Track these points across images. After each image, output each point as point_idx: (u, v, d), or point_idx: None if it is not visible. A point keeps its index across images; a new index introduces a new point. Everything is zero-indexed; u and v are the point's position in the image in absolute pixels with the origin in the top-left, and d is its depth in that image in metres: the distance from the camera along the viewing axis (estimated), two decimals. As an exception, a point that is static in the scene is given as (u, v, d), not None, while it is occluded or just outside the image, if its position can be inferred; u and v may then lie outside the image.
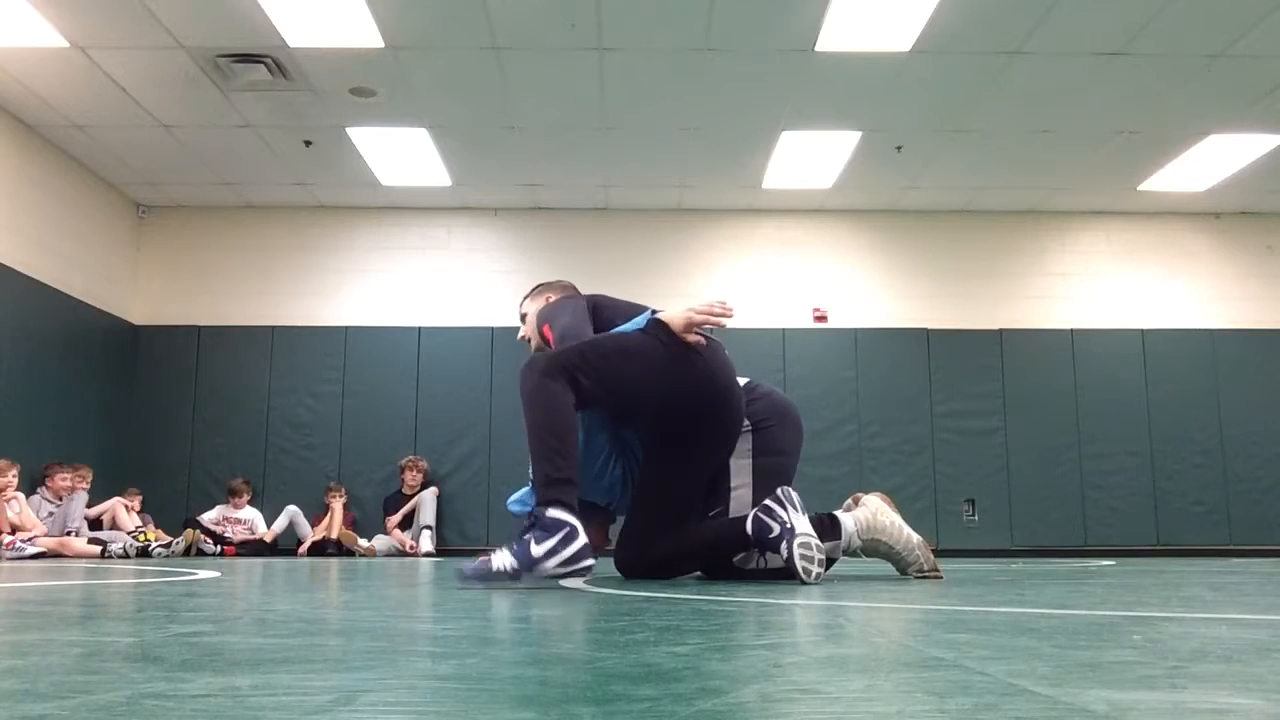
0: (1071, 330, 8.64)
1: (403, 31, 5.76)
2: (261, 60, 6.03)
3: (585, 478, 2.91)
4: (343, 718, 0.70)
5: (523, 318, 3.18)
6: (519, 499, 3.01)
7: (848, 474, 8.00)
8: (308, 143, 7.38)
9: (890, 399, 8.45)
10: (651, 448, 2.96)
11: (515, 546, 2.34)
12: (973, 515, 8.29)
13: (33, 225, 7.21)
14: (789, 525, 2.64)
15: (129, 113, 6.84)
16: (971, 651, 1.08)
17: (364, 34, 5.75)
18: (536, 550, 2.29)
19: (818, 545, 2.63)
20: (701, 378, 2.78)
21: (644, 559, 2.95)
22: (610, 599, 2.04)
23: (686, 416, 2.82)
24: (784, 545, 2.62)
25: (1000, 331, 8.63)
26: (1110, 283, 8.80)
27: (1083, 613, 1.67)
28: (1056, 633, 1.30)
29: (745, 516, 2.77)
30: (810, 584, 2.57)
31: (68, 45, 5.91)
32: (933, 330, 8.60)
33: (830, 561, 2.98)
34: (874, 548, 3.03)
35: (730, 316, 2.76)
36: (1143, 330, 8.65)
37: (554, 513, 2.35)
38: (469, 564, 2.42)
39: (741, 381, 3.07)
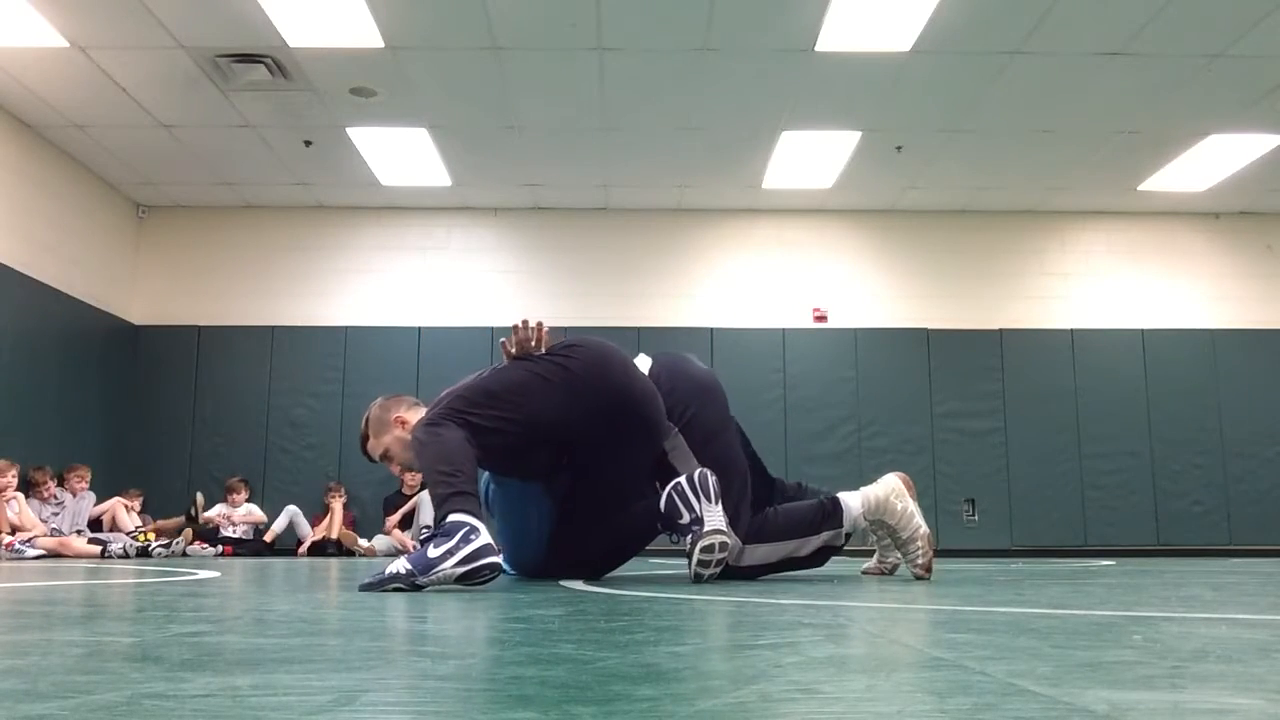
0: (1071, 330, 8.64)
1: (403, 31, 5.76)
2: (261, 60, 6.03)
3: (536, 549, 2.91)
4: (343, 718, 0.70)
5: (383, 457, 2.99)
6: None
7: (848, 474, 7.98)
8: (308, 143, 7.38)
9: (890, 399, 8.45)
10: (574, 465, 2.85)
11: (413, 553, 2.28)
12: (973, 515, 8.29)
13: (33, 225, 7.21)
14: (699, 516, 2.58)
15: (129, 113, 6.84)
16: (972, 651, 1.08)
17: (364, 34, 5.75)
18: (433, 553, 2.21)
19: (721, 545, 2.57)
20: (582, 376, 2.70)
21: (586, 560, 2.94)
22: (610, 599, 2.03)
23: (586, 418, 2.69)
24: (690, 538, 2.59)
25: (1000, 331, 8.62)
26: (1110, 283, 8.80)
27: (1083, 613, 1.67)
28: (1056, 633, 1.30)
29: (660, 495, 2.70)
30: (701, 583, 2.54)
31: (68, 45, 5.91)
32: (933, 330, 8.60)
33: (833, 550, 2.94)
34: (876, 526, 3.02)
35: (526, 328, 2.72)
36: (1143, 330, 8.65)
37: (453, 517, 2.27)
38: (369, 574, 2.35)
39: (645, 363, 2.97)
